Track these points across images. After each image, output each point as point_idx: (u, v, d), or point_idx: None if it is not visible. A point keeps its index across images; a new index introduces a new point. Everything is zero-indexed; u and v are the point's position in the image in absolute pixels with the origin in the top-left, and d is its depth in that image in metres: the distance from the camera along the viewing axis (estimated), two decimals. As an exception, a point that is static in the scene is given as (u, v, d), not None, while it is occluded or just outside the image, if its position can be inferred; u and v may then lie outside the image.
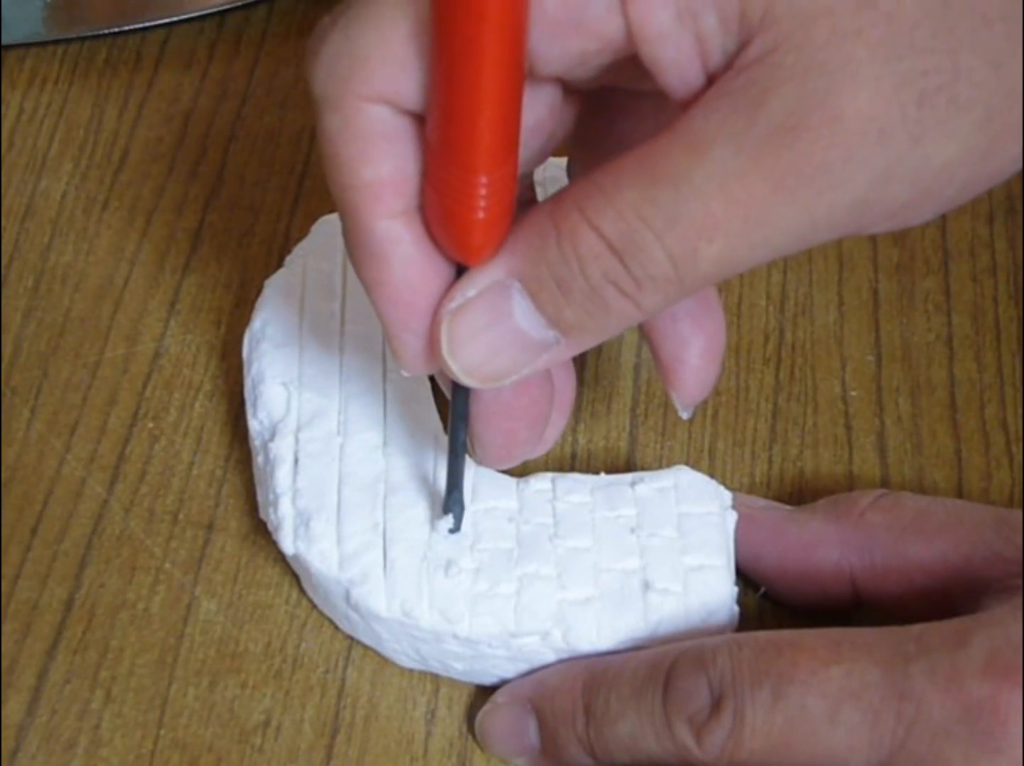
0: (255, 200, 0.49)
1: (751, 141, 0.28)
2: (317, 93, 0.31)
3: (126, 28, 0.53)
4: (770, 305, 0.47)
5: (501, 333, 0.31)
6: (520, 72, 0.29)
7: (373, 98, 0.30)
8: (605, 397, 0.45)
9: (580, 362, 0.46)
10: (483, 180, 0.29)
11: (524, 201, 0.33)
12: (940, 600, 0.36)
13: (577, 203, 0.30)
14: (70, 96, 0.52)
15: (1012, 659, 0.32)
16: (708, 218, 0.29)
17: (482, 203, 0.30)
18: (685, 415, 0.38)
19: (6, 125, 0.51)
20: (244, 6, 0.54)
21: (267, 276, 0.44)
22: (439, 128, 0.29)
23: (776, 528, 0.39)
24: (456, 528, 0.38)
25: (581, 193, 0.30)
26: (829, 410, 0.45)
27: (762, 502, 0.41)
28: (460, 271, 0.32)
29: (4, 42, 0.52)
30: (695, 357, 0.37)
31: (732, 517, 0.39)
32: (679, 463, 0.41)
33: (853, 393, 0.45)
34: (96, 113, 0.52)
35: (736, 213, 0.29)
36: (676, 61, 0.29)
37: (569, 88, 0.32)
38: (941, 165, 0.29)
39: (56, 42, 0.53)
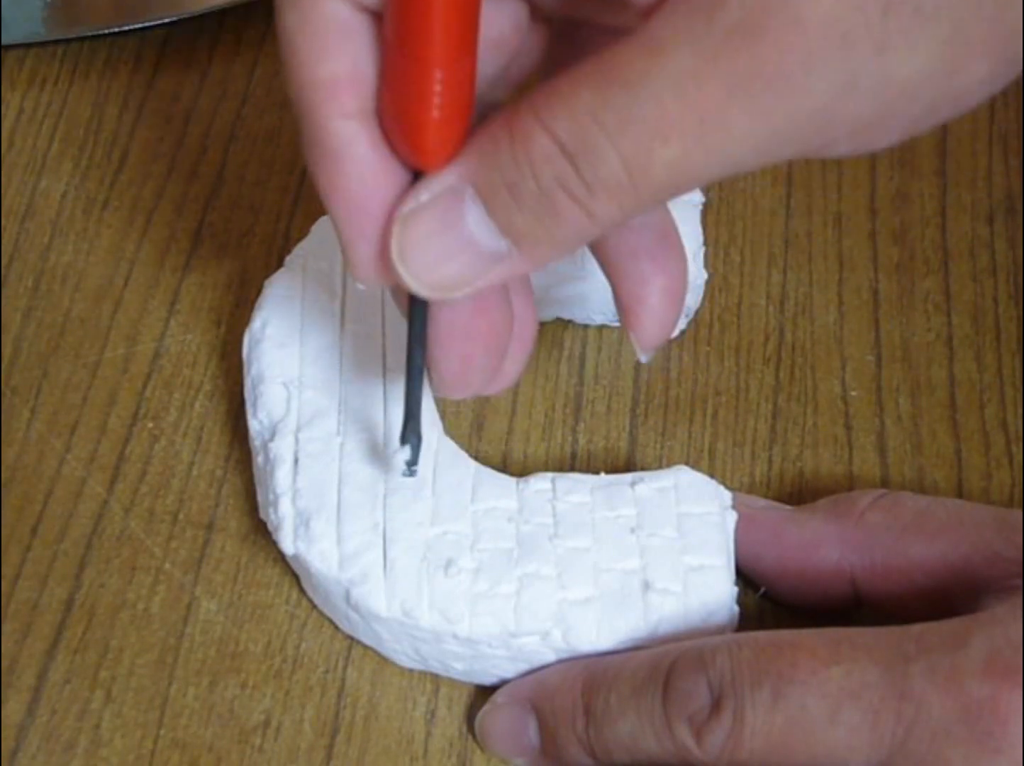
0: (255, 200, 0.49)
1: (709, 43, 0.27)
2: None
3: (126, 28, 0.53)
4: (770, 305, 0.47)
5: (452, 239, 0.31)
6: None
7: None
8: (605, 397, 0.45)
9: (580, 360, 0.46)
10: (438, 75, 0.29)
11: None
12: (940, 600, 0.36)
13: (532, 106, 0.29)
14: (70, 96, 0.52)
15: (1012, 659, 0.32)
16: (663, 120, 0.28)
17: (436, 100, 0.29)
18: (643, 359, 0.37)
19: (6, 125, 0.51)
20: (244, 6, 0.54)
21: (267, 276, 0.44)
22: (395, 21, 0.29)
23: (776, 528, 0.39)
24: (413, 461, 0.36)
25: (538, 97, 0.29)
26: (829, 410, 0.45)
27: (762, 502, 0.41)
28: (416, 178, 0.31)
29: (4, 42, 0.52)
30: (654, 297, 0.36)
31: (732, 517, 0.39)
32: (679, 463, 0.41)
33: (853, 393, 0.45)
34: (96, 113, 0.52)
35: (692, 115, 0.28)
36: None
37: (536, 11, 0.32)
38: (906, 78, 0.28)
39: (56, 42, 0.53)
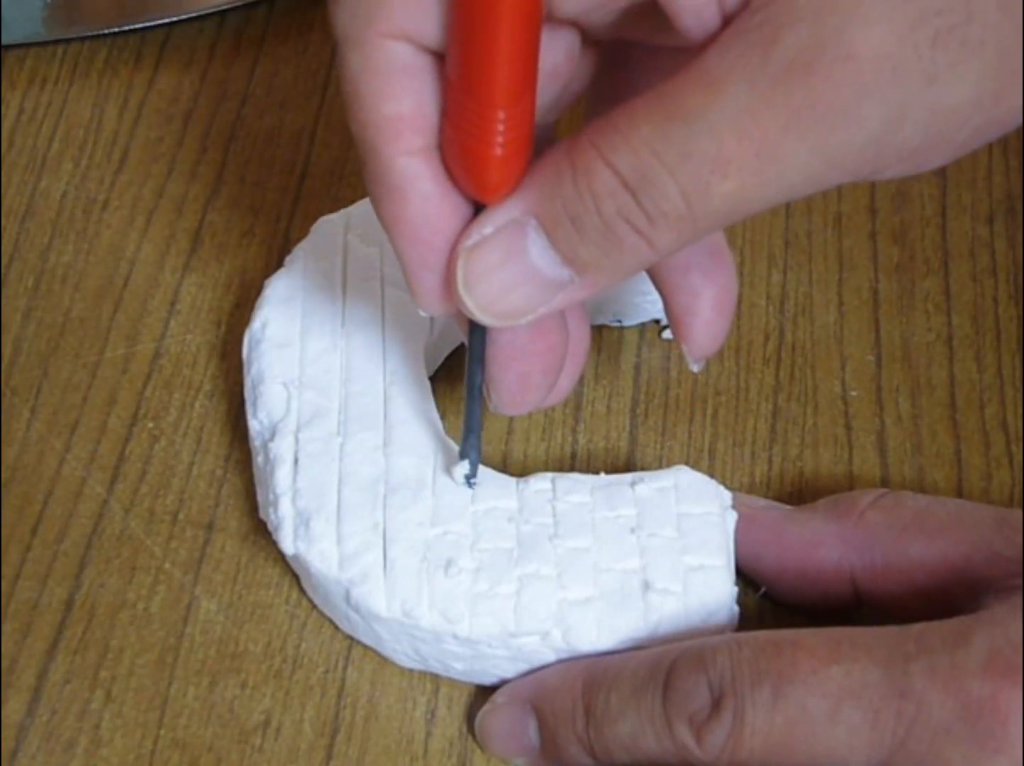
0: (255, 200, 0.49)
1: (764, 78, 0.28)
2: (339, 33, 0.31)
3: (126, 28, 0.53)
4: (770, 305, 0.47)
5: (516, 270, 0.32)
6: (538, 7, 0.29)
7: (394, 35, 0.31)
8: (605, 397, 0.45)
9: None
10: (501, 115, 0.30)
11: (542, 150, 0.33)
12: (940, 599, 0.36)
13: (592, 140, 0.30)
14: (70, 96, 0.52)
15: (1012, 658, 0.32)
16: (721, 154, 0.29)
17: (499, 139, 0.30)
18: (695, 368, 0.39)
19: (6, 125, 0.51)
20: (244, 6, 0.54)
21: (267, 276, 0.44)
22: (458, 63, 0.30)
23: (776, 528, 0.39)
24: (472, 474, 0.38)
25: (597, 131, 0.30)
26: (829, 410, 0.45)
27: (762, 502, 0.41)
28: (478, 210, 0.32)
29: (4, 42, 0.52)
30: (706, 309, 0.38)
31: (732, 517, 0.39)
32: (679, 463, 0.41)
33: (853, 393, 0.45)
34: (96, 113, 0.52)
35: (749, 149, 0.29)
36: (693, 3, 0.29)
37: (587, 36, 0.33)
38: (954, 106, 0.29)
39: (56, 42, 0.53)
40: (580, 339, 0.37)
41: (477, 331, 0.35)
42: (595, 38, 0.33)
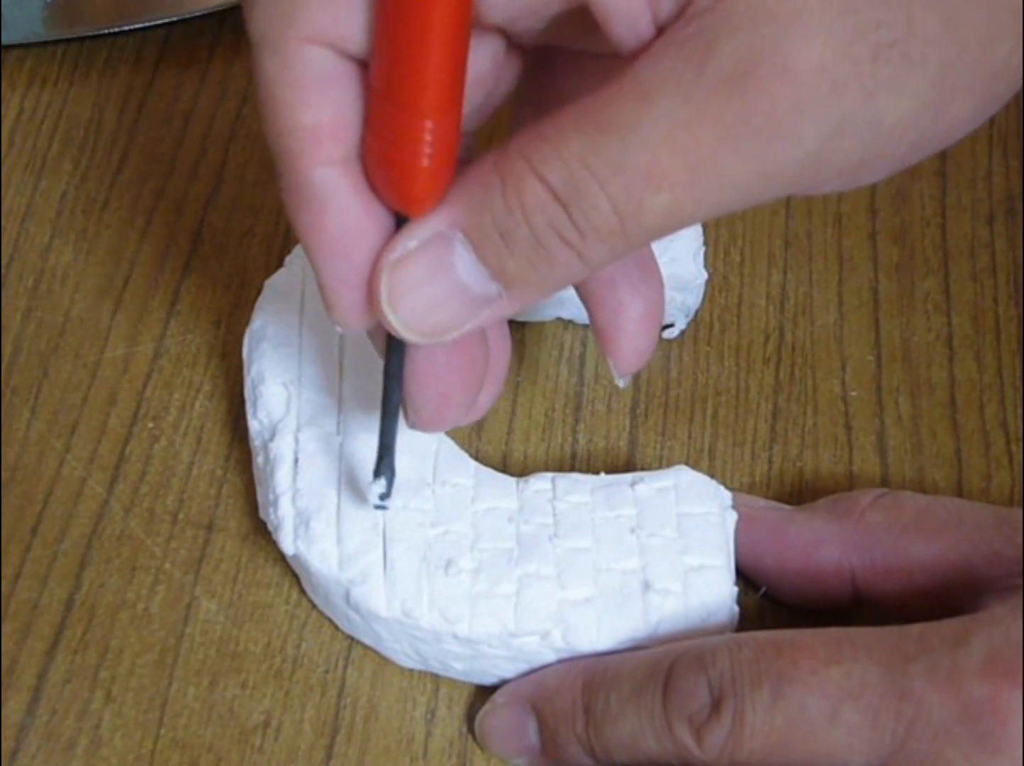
0: (255, 200, 0.49)
1: (699, 90, 0.28)
2: (255, 34, 0.30)
3: (126, 28, 0.53)
4: (770, 305, 0.47)
5: (443, 286, 0.31)
6: (467, 15, 0.28)
7: (315, 40, 0.29)
8: (605, 397, 0.45)
9: (580, 360, 0.46)
10: (429, 126, 0.29)
11: (463, 160, 0.32)
12: (940, 599, 0.36)
13: (522, 152, 0.29)
14: (70, 96, 0.52)
15: (1012, 659, 0.32)
16: (654, 168, 0.28)
17: (427, 150, 0.29)
18: (621, 384, 0.38)
19: (6, 125, 0.51)
20: (244, 6, 0.54)
21: (267, 276, 0.44)
22: (384, 71, 0.29)
23: (776, 528, 0.39)
24: (387, 493, 0.36)
25: (526, 142, 0.29)
26: (829, 410, 0.45)
27: (762, 502, 0.41)
28: (400, 223, 0.31)
29: (4, 42, 0.52)
30: (632, 323, 0.37)
31: (732, 517, 0.39)
32: (679, 463, 0.41)
33: (853, 393, 0.45)
34: (96, 113, 0.52)
35: (683, 163, 0.28)
36: (626, 11, 0.29)
37: (513, 42, 0.32)
38: (894, 122, 0.29)
39: (56, 42, 0.53)
40: (500, 353, 0.36)
41: (395, 347, 0.33)
42: (521, 44, 0.32)
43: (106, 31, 0.53)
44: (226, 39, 0.54)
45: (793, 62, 0.27)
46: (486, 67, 0.32)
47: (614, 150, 0.28)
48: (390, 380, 0.34)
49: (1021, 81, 0.30)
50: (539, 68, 0.34)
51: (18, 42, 0.52)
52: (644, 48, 0.29)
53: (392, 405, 0.35)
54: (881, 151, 0.29)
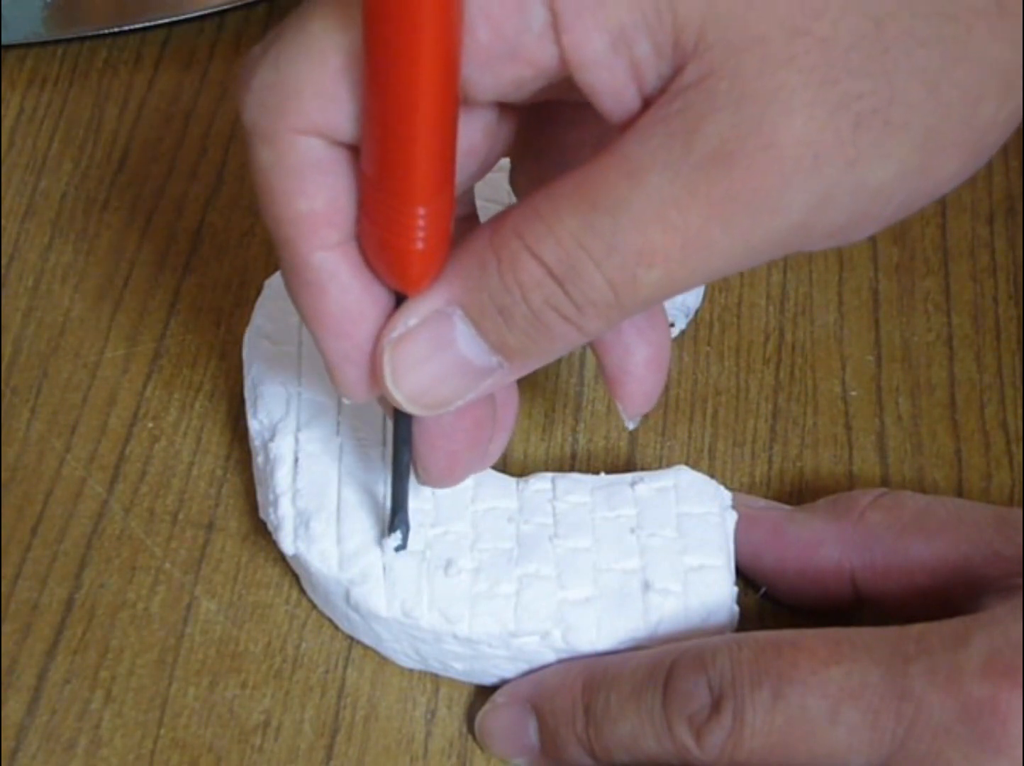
0: (255, 200, 0.49)
1: (687, 168, 0.28)
2: (248, 125, 0.30)
3: (126, 28, 0.53)
4: (770, 305, 0.47)
5: (444, 361, 0.31)
6: (454, 102, 0.28)
7: (306, 131, 0.30)
8: (605, 397, 0.45)
9: (580, 360, 0.46)
10: (421, 211, 0.29)
11: (464, 216, 0.32)
12: (940, 600, 0.36)
13: (516, 230, 0.30)
14: (70, 96, 0.52)
15: (1012, 659, 0.32)
16: (646, 245, 0.29)
17: (420, 234, 0.30)
18: (631, 425, 0.38)
19: (6, 125, 0.51)
20: (244, 6, 0.54)
21: (267, 276, 0.44)
22: (374, 160, 0.29)
23: (776, 528, 0.39)
24: (403, 546, 0.38)
25: (520, 219, 0.30)
26: (829, 410, 0.45)
27: (762, 502, 0.41)
28: (399, 299, 0.32)
29: (4, 42, 0.52)
30: (639, 367, 0.37)
31: (732, 517, 0.39)
32: (679, 463, 0.41)
33: (853, 393, 0.45)
34: (96, 113, 0.52)
35: (674, 240, 0.29)
36: (611, 86, 0.29)
37: (505, 108, 0.32)
38: (878, 186, 0.29)
39: (56, 42, 0.53)
40: (507, 404, 0.37)
41: (402, 414, 0.34)
42: (513, 107, 0.32)
43: (106, 31, 0.53)
44: (226, 39, 0.54)
45: (776, 137, 0.28)
46: (478, 138, 0.32)
47: (607, 228, 0.29)
48: (399, 444, 0.35)
49: (1007, 135, 0.30)
50: (536, 120, 0.34)
51: (18, 42, 0.52)
52: (632, 119, 0.29)
53: (403, 466, 0.36)
54: (868, 213, 0.30)
